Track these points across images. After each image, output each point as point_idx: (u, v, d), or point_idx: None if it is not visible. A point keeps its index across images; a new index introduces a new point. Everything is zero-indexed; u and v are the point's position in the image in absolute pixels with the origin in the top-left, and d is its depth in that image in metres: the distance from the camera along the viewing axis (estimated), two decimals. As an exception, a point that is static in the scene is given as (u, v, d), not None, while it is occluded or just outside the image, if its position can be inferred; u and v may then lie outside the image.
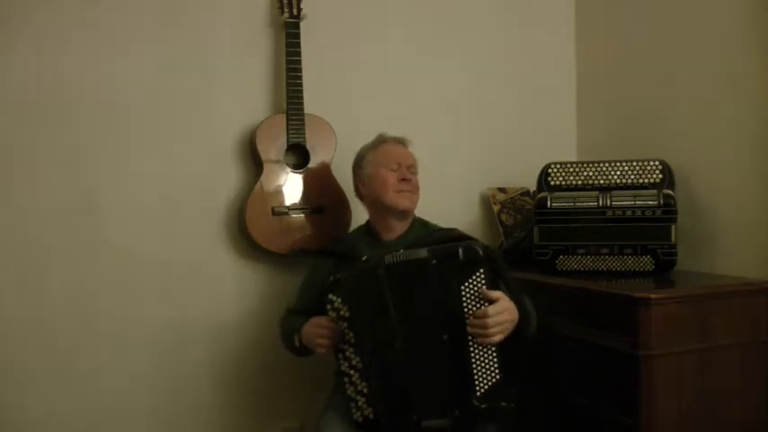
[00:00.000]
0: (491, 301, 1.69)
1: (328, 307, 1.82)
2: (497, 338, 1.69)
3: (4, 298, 2.20)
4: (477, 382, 1.70)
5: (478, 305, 1.70)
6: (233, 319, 2.45)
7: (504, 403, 1.70)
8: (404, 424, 1.74)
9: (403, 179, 2.06)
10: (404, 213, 2.08)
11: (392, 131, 2.19)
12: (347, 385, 1.82)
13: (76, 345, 2.28)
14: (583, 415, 2.05)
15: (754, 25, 2.12)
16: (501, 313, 1.69)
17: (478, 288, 1.69)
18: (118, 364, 2.32)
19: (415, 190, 2.09)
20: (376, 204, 2.09)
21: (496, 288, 1.72)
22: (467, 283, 1.70)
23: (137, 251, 2.34)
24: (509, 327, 1.71)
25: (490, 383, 1.70)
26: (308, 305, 2.07)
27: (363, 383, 1.78)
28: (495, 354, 1.70)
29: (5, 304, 2.20)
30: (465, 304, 1.70)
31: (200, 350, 2.42)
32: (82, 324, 2.28)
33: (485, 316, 1.68)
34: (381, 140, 2.16)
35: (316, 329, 1.87)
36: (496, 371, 1.70)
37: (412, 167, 2.11)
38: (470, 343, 1.70)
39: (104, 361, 2.31)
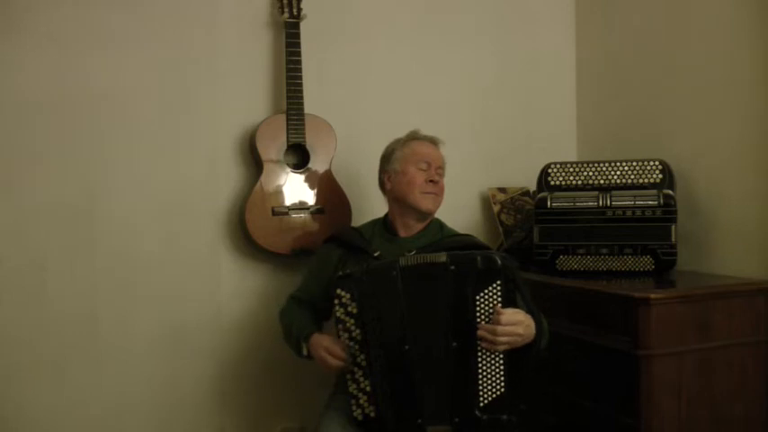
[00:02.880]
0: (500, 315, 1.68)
1: (336, 302, 1.81)
2: (503, 347, 1.67)
3: (4, 298, 2.20)
4: (481, 393, 1.69)
5: (491, 317, 1.68)
6: (233, 318, 2.45)
7: (504, 416, 1.69)
8: (408, 426, 1.74)
9: (431, 181, 2.05)
10: (425, 214, 2.07)
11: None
12: (349, 382, 1.81)
13: (76, 345, 2.28)
14: (583, 415, 2.05)
15: (755, 26, 2.12)
16: (515, 324, 1.67)
17: (493, 299, 1.68)
18: (117, 365, 2.32)
19: (440, 192, 2.08)
20: (398, 201, 2.08)
21: (512, 300, 1.70)
22: (482, 293, 1.69)
23: (137, 251, 2.33)
24: (519, 340, 1.69)
25: (494, 396, 1.69)
26: (313, 295, 2.07)
27: (366, 381, 1.78)
28: (502, 367, 1.69)
29: (5, 304, 2.20)
30: (478, 314, 1.69)
31: (199, 350, 2.42)
32: (81, 324, 2.28)
33: (497, 322, 1.66)
34: (414, 137, 2.12)
35: (326, 355, 1.83)
36: (502, 384, 1.69)
37: (440, 169, 2.09)
38: (479, 353, 1.69)
39: (104, 361, 2.31)
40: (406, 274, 1.75)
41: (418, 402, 1.73)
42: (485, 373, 1.69)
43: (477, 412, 1.69)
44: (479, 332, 1.68)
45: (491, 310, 1.68)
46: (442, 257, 1.72)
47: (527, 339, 1.70)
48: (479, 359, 1.69)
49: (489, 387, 1.69)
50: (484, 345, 1.68)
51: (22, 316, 2.22)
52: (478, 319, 1.69)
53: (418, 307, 1.74)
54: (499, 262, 1.69)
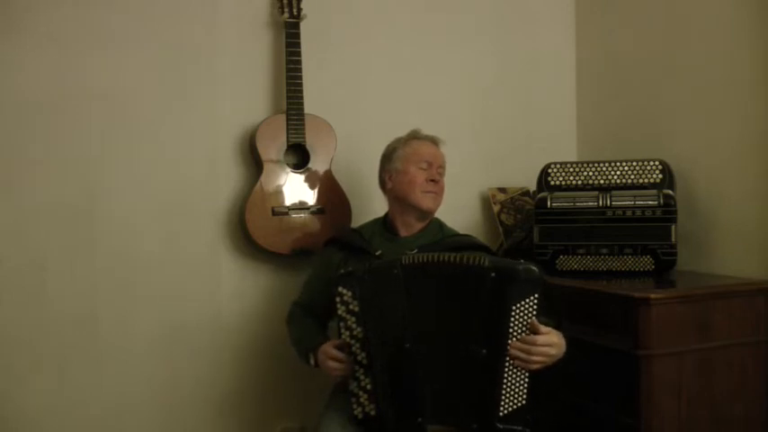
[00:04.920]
0: (535, 331, 1.67)
1: (337, 300, 1.80)
2: (535, 367, 1.67)
3: (4, 298, 2.20)
4: (503, 403, 1.67)
5: (524, 329, 1.67)
6: (233, 319, 2.45)
7: (519, 428, 1.68)
8: (408, 425, 1.74)
9: (431, 180, 2.05)
10: (426, 214, 2.08)
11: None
12: (350, 380, 1.81)
13: (76, 345, 2.28)
14: (583, 415, 2.05)
15: (755, 26, 2.13)
16: (550, 346, 1.67)
17: (529, 312, 1.66)
18: (117, 365, 2.32)
19: (440, 192, 2.08)
20: (399, 200, 2.08)
21: (545, 314, 1.69)
22: (519, 305, 1.66)
23: (137, 251, 2.33)
24: (549, 361, 1.69)
25: (515, 407, 1.67)
26: (316, 298, 2.08)
27: (367, 379, 1.77)
28: (527, 379, 1.68)
29: (5, 304, 2.20)
30: (512, 324, 1.67)
31: (199, 350, 2.42)
32: (81, 324, 2.28)
33: (533, 343, 1.65)
34: (415, 136, 2.13)
35: (330, 362, 1.84)
36: (524, 396, 1.68)
37: (441, 168, 2.10)
38: (507, 363, 1.67)
39: (104, 361, 2.31)
40: (416, 273, 1.73)
41: (419, 401, 1.73)
42: (509, 384, 1.67)
43: (496, 422, 1.67)
44: (513, 350, 1.66)
45: (526, 323, 1.66)
46: (485, 262, 1.69)
47: (555, 359, 1.70)
48: (506, 369, 1.67)
49: (511, 398, 1.67)
50: (517, 362, 1.66)
51: (22, 316, 2.22)
52: (511, 330, 1.67)
53: (428, 307, 1.72)
54: (539, 275, 1.67)
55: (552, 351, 1.68)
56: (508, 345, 1.66)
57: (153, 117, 2.35)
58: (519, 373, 1.68)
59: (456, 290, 1.71)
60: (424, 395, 1.73)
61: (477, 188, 2.76)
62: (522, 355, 1.66)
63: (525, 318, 1.66)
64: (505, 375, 1.67)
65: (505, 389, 1.67)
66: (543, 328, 1.67)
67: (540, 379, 1.70)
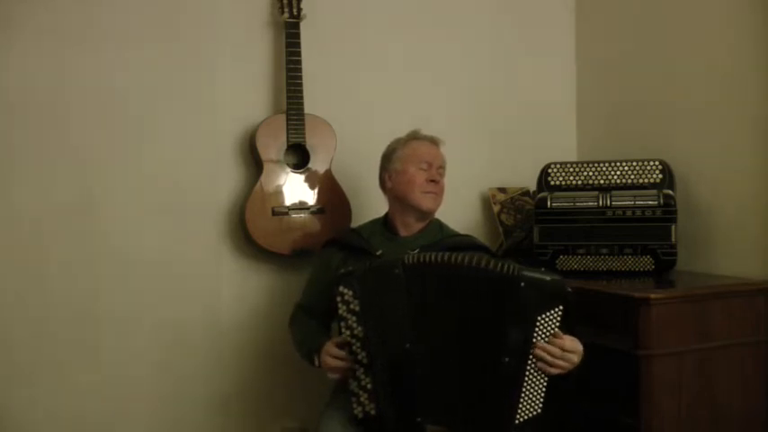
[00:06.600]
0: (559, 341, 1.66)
1: (338, 299, 1.80)
2: (556, 371, 1.66)
3: (4, 298, 2.20)
4: (520, 411, 1.67)
5: (546, 339, 1.66)
6: (233, 319, 2.45)
7: None
8: (407, 425, 1.74)
9: (431, 180, 2.05)
10: (425, 214, 2.08)
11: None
12: (351, 380, 1.81)
13: (76, 345, 2.27)
14: (583, 414, 2.05)
15: (756, 26, 2.13)
16: (574, 352, 1.67)
17: (553, 323, 1.66)
18: (118, 364, 2.32)
19: (440, 192, 2.08)
20: (399, 200, 2.08)
21: (567, 326, 1.68)
22: (544, 315, 1.65)
23: (137, 251, 2.33)
24: (570, 368, 1.68)
25: (530, 415, 1.67)
26: (317, 300, 2.07)
27: (368, 379, 1.77)
28: (545, 388, 1.68)
29: (5, 304, 2.20)
30: (536, 334, 1.66)
31: (199, 350, 2.42)
32: (82, 324, 2.28)
33: (561, 347, 1.65)
34: (414, 137, 2.13)
35: (330, 361, 1.84)
36: (540, 405, 1.67)
37: (441, 169, 2.10)
38: (527, 372, 1.66)
39: (104, 361, 2.31)
40: (420, 273, 1.72)
41: (418, 401, 1.73)
42: (528, 392, 1.67)
43: (512, 429, 1.66)
44: (537, 351, 1.65)
45: (549, 334, 1.66)
46: (514, 270, 1.67)
47: (573, 367, 1.69)
48: (526, 378, 1.66)
49: (529, 406, 1.67)
50: (539, 365, 1.66)
51: (22, 316, 2.22)
52: (535, 340, 1.66)
53: (432, 308, 1.71)
54: (566, 287, 1.66)
55: (575, 358, 1.67)
56: (531, 354, 1.66)
57: (153, 117, 2.35)
58: (538, 383, 1.67)
59: (469, 293, 1.69)
60: (423, 395, 1.73)
61: (478, 188, 2.76)
62: (548, 358, 1.65)
63: (549, 328, 1.66)
64: (525, 383, 1.66)
65: (524, 397, 1.67)
66: (568, 336, 1.67)
67: (560, 387, 1.69)
